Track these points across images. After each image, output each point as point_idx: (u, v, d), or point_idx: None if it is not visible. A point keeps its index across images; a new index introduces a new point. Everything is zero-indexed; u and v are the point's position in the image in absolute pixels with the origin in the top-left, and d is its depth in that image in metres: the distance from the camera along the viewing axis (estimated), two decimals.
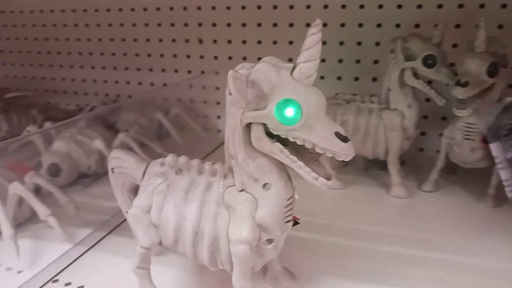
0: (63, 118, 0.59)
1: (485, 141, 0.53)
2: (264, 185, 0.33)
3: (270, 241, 0.34)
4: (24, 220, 0.52)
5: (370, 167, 0.69)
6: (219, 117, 0.89)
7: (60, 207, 0.51)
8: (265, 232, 0.33)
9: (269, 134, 0.31)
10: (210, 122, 0.88)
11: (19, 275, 0.43)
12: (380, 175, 0.67)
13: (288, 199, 0.33)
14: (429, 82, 0.64)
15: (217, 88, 0.87)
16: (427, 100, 0.72)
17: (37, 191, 0.53)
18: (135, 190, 0.42)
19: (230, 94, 0.32)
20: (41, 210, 0.47)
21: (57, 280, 0.43)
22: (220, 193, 0.35)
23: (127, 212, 0.43)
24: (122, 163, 0.41)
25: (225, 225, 0.34)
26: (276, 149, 0.30)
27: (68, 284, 0.42)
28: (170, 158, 0.38)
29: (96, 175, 0.65)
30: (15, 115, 0.78)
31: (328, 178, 0.30)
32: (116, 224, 0.53)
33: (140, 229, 0.36)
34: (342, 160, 0.69)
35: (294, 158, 0.30)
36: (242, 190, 0.33)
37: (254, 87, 0.30)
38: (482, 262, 0.45)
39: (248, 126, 0.32)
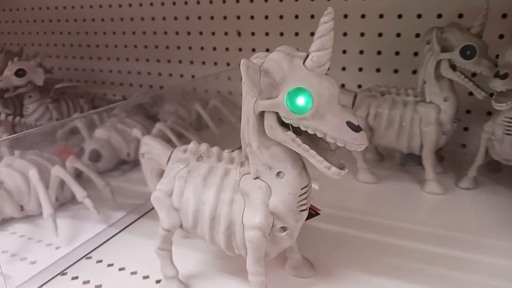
0: None
1: None
2: (278, 174, 0.33)
3: (284, 229, 0.35)
4: (65, 201, 0.56)
5: (407, 162, 0.67)
6: None
7: (98, 191, 0.54)
8: (279, 220, 0.34)
9: (284, 123, 0.31)
10: None
11: (57, 250, 0.46)
12: (417, 171, 0.64)
13: (302, 188, 0.34)
14: (473, 75, 0.61)
15: None
16: (470, 94, 0.69)
17: (79, 175, 0.57)
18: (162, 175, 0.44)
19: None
20: (78, 192, 0.50)
21: (90, 257, 0.46)
22: (237, 180, 0.35)
23: None
24: (150, 149, 0.43)
25: (240, 211, 0.34)
26: (288, 138, 0.31)
27: (99, 261, 0.45)
28: (192, 145, 0.39)
29: (135, 161, 0.68)
30: (65, 104, 0.83)
31: (342, 168, 0.30)
32: (148, 208, 0.55)
33: (162, 211, 0.37)
34: (379, 155, 0.68)
35: (307, 147, 0.30)
36: (256, 178, 0.34)
37: (267, 76, 0.31)
38: None
39: (262, 114, 0.32)
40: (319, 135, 0.29)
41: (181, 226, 0.38)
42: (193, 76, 0.96)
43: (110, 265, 0.44)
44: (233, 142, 0.81)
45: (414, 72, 0.74)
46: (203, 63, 0.93)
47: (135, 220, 0.53)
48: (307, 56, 0.30)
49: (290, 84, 0.30)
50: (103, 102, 0.91)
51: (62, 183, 0.54)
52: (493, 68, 0.52)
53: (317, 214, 0.41)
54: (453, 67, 0.55)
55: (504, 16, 0.65)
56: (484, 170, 0.59)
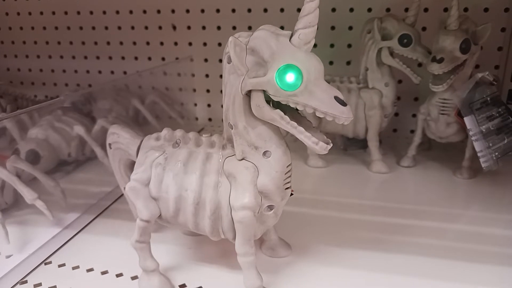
0: None
1: (459, 115, 0.56)
2: (264, 153, 0.33)
3: (270, 207, 0.35)
4: (6, 207, 0.51)
5: (349, 147, 0.71)
6: (195, 104, 0.89)
7: (43, 193, 0.50)
8: (266, 199, 0.34)
9: (269, 103, 0.32)
10: (187, 110, 0.88)
11: (8, 259, 0.42)
12: (359, 154, 0.69)
13: (287, 166, 0.34)
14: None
15: (193, 75, 0.87)
16: (400, 81, 0.75)
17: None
18: (131, 166, 0.41)
19: (229, 62, 0.32)
20: (28, 193, 0.45)
21: (50, 262, 0.42)
22: (220, 163, 0.35)
23: (124, 188, 0.43)
24: (118, 139, 0.41)
25: (226, 194, 0.34)
26: (276, 115, 0.31)
27: (62, 265, 0.41)
28: (165, 132, 0.38)
29: (76, 162, 0.64)
30: None
31: (327, 143, 0.31)
32: (104, 207, 0.52)
33: (139, 202, 0.36)
34: None
35: (295, 124, 0.31)
36: (242, 159, 0.34)
37: (254, 54, 0.31)
38: (460, 228, 0.48)
39: (248, 94, 0.32)
40: (308, 111, 0.30)
41: (159, 216, 0.37)
42: (125, 72, 0.91)
43: (76, 267, 0.41)
44: None
45: (349, 63, 0.78)
46: (136, 58, 0.90)
47: (91, 220, 0.50)
48: (292, 34, 0.31)
49: (278, 61, 0.30)
50: (27, 103, 0.83)
51: (1, 187, 0.49)
52: (427, 55, 0.58)
53: (292, 194, 0.42)
54: (392, 54, 0.60)
55: (426, 10, 0.72)
56: (418, 150, 0.65)
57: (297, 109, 0.31)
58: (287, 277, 0.39)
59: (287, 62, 0.30)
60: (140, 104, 0.78)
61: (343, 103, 0.30)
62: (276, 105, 0.32)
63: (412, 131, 0.79)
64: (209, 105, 0.89)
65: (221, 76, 0.89)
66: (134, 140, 0.39)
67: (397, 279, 0.39)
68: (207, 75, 0.87)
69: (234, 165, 0.34)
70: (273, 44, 0.30)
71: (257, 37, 0.31)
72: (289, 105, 0.31)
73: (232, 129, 0.34)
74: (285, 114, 0.31)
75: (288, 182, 0.35)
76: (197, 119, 0.90)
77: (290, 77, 0.30)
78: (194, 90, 0.88)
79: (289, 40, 0.30)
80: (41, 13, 0.91)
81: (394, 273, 0.40)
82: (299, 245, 0.44)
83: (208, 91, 0.88)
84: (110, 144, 0.42)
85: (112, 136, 0.41)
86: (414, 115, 0.78)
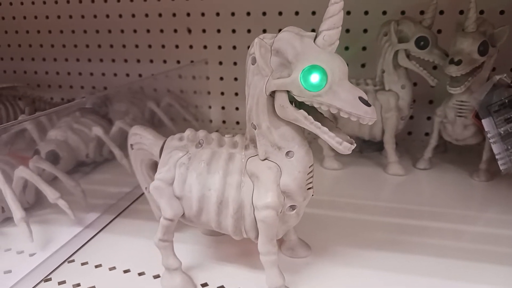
0: None
1: (477, 117, 0.56)
2: (287, 153, 0.34)
3: (293, 207, 0.35)
4: (28, 207, 0.52)
5: (365, 149, 0.71)
6: (210, 107, 0.90)
7: (63, 193, 0.50)
8: (289, 199, 0.35)
9: (292, 103, 0.32)
10: (202, 112, 0.88)
11: (32, 257, 0.42)
12: (375, 157, 0.69)
13: (310, 167, 0.35)
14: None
15: (207, 78, 0.87)
16: (415, 84, 0.74)
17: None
18: (153, 167, 0.42)
19: (253, 63, 0.33)
20: (50, 193, 0.46)
21: (73, 261, 0.43)
22: (243, 163, 0.35)
23: (146, 188, 0.45)
24: (140, 139, 0.41)
25: (249, 193, 0.34)
26: (300, 116, 0.31)
27: (84, 263, 0.42)
28: (188, 132, 0.38)
29: (94, 163, 0.65)
30: (3, 107, 0.76)
31: (351, 143, 0.31)
32: (123, 208, 0.53)
33: (163, 201, 0.36)
34: None
35: (319, 124, 0.31)
36: (265, 159, 0.34)
37: (278, 55, 0.31)
38: (477, 229, 0.48)
39: (272, 95, 0.33)
40: (332, 111, 0.31)
41: (182, 215, 0.37)
42: (140, 75, 0.92)
43: (98, 266, 0.42)
44: None
45: (363, 65, 0.79)
46: (151, 61, 0.91)
47: (112, 220, 0.50)
48: (316, 35, 0.31)
49: (303, 62, 0.30)
50: (44, 105, 0.85)
51: (23, 187, 0.50)
52: (444, 57, 0.58)
53: (312, 195, 0.42)
54: (408, 57, 0.60)
55: (442, 12, 0.72)
56: (434, 152, 0.64)
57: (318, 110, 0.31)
58: (307, 277, 0.39)
59: (311, 63, 0.30)
60: (156, 107, 0.79)
61: (367, 104, 0.30)
62: (299, 106, 0.32)
63: (427, 134, 0.79)
64: (223, 108, 0.90)
65: (235, 79, 0.90)
66: (157, 141, 0.40)
67: (414, 280, 0.39)
68: (221, 78, 0.87)
69: (257, 165, 0.34)
70: (297, 45, 0.31)
71: (282, 39, 0.31)
72: (312, 107, 0.31)
73: (255, 129, 0.34)
74: (309, 114, 0.32)
75: (310, 183, 0.36)
76: (211, 121, 0.90)
77: (315, 77, 0.30)
78: (209, 93, 0.89)
79: (314, 42, 0.31)
80: (58, 16, 0.92)
81: (411, 274, 0.40)
82: (318, 246, 0.44)
83: (222, 93, 0.89)
84: (132, 145, 0.43)
85: (134, 137, 0.42)
86: (429, 118, 0.78)
